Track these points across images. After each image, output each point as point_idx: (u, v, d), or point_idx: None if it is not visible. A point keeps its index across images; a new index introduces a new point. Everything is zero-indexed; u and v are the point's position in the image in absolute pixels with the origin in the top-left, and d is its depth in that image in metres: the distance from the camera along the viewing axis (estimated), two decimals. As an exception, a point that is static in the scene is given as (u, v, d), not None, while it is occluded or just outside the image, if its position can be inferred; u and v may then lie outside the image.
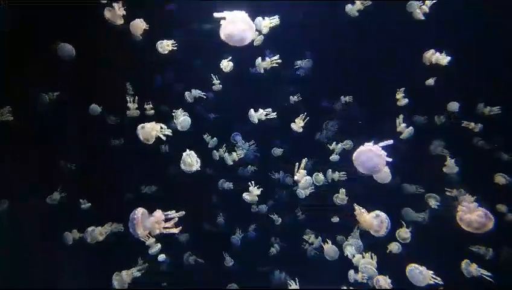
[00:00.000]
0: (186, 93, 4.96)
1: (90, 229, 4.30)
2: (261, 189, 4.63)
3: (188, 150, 4.20)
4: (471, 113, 4.78)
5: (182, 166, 4.22)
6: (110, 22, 4.09)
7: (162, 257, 4.61)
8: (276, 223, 5.23)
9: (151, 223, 3.29)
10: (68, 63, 4.33)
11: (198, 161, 4.25)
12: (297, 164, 4.18)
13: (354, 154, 3.63)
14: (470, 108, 4.78)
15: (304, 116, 4.72)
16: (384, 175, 4.07)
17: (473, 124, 4.73)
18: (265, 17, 4.38)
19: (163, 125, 4.06)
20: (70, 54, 4.25)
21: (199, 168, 4.22)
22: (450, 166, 4.61)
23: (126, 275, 4.20)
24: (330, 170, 4.85)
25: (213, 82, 4.94)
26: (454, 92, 4.76)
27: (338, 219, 4.96)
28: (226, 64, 4.59)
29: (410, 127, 4.61)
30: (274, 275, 5.32)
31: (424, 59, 4.41)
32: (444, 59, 4.27)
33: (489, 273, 3.94)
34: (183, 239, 5.27)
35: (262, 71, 4.53)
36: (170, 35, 4.48)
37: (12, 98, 4.31)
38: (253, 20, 4.40)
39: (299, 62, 5.00)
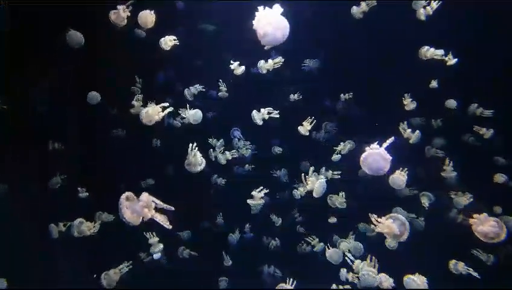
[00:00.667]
0: (186, 90, 4.93)
1: (76, 222, 4.26)
2: (264, 191, 4.63)
3: (192, 151, 4.18)
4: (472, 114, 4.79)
5: (187, 166, 4.21)
6: (115, 24, 4.08)
7: (157, 255, 4.60)
8: (276, 223, 5.26)
9: (140, 207, 3.28)
10: (69, 62, 4.32)
11: (203, 161, 4.25)
12: (303, 174, 4.18)
13: (361, 156, 3.67)
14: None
15: (311, 120, 4.70)
16: (399, 181, 4.09)
17: (484, 129, 4.68)
18: None
19: (164, 104, 4.11)
20: (80, 42, 4.19)
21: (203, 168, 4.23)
22: (448, 170, 4.63)
23: (114, 274, 4.14)
24: (324, 168, 4.86)
25: (220, 88, 4.94)
26: (456, 92, 4.76)
27: (335, 219, 4.98)
28: (237, 67, 4.54)
29: (417, 131, 4.61)
30: (263, 270, 5.37)
31: (419, 55, 4.43)
32: (450, 60, 4.28)
33: (476, 273, 3.99)
34: (184, 236, 5.30)
35: (264, 72, 4.50)
36: (176, 34, 4.46)
37: (12, 98, 4.28)
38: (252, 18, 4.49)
39: (307, 61, 5.00)
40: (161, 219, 3.30)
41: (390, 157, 3.57)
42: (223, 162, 4.98)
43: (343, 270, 4.36)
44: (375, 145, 3.67)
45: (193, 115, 4.55)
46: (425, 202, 4.69)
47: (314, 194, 4.26)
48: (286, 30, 3.46)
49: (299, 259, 5.29)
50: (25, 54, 4.36)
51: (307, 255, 5.20)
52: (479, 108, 4.71)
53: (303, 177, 4.25)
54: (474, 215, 3.73)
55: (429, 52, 4.35)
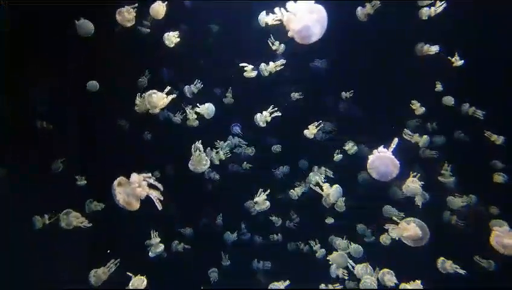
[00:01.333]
0: (186, 87, 4.91)
1: (63, 213, 4.21)
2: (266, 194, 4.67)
3: (197, 151, 4.16)
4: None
5: (192, 166, 4.18)
6: (121, 24, 4.08)
7: (153, 254, 4.58)
8: (276, 224, 5.27)
9: (132, 188, 3.24)
10: (70, 61, 4.29)
11: (208, 161, 4.24)
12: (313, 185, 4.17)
13: (369, 159, 3.62)
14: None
15: (318, 124, 4.71)
16: (414, 189, 4.13)
17: (495, 136, 4.64)
18: (270, 13, 4.37)
19: (167, 88, 4.12)
20: (89, 32, 4.15)
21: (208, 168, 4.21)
22: (446, 175, 4.64)
23: (103, 273, 4.07)
24: (316, 166, 4.90)
25: (226, 94, 4.95)
26: (455, 92, 4.75)
27: (333, 220, 4.99)
28: (250, 70, 4.51)
29: (425, 136, 4.65)
30: (253, 265, 5.39)
31: (416, 51, 4.50)
32: (457, 61, 4.37)
33: (463, 271, 4.04)
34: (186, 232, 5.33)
35: (267, 74, 4.48)
36: (181, 32, 4.47)
37: (12, 98, 4.25)
38: (257, 16, 4.47)
39: (316, 60, 5.00)
40: (155, 195, 3.25)
41: (399, 163, 3.54)
42: (216, 162, 4.92)
43: (334, 267, 4.43)
44: (382, 148, 3.62)
45: (206, 108, 4.56)
46: (419, 201, 4.69)
47: (331, 199, 4.22)
48: (325, 24, 3.17)
49: (291, 256, 5.34)
50: (25, 54, 4.33)
51: (298, 252, 5.27)
52: (471, 107, 4.69)
53: (315, 186, 4.22)
54: (495, 228, 3.67)
55: (424, 48, 4.43)
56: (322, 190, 4.14)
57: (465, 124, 4.78)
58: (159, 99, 4.11)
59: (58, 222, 4.26)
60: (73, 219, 4.18)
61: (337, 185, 4.10)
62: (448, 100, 4.74)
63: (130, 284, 3.99)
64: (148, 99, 4.13)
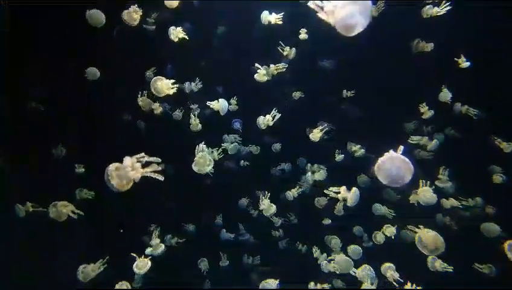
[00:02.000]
0: (186, 84, 4.89)
1: (52, 204, 4.11)
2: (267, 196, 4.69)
3: (201, 152, 4.15)
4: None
5: (195, 168, 4.17)
6: (127, 23, 4.07)
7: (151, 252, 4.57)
8: (276, 224, 5.27)
9: (126, 172, 3.20)
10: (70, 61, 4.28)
11: (211, 161, 4.22)
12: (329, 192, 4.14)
13: (378, 161, 3.27)
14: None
15: (322, 127, 4.69)
16: (430, 198, 4.12)
17: (505, 143, 4.60)
18: (273, 12, 4.42)
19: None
20: (100, 23, 4.10)
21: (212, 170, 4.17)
22: (443, 179, 4.61)
23: (91, 270, 4.02)
24: (309, 164, 4.91)
25: (230, 101, 4.93)
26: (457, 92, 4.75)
27: (330, 221, 5.03)
28: (262, 76, 4.49)
29: (435, 139, 4.67)
30: (242, 260, 5.44)
31: (413, 48, 4.53)
32: (463, 63, 4.35)
33: (451, 268, 4.05)
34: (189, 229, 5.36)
35: (269, 78, 4.47)
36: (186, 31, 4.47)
37: (12, 98, 4.24)
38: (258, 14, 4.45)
39: (324, 60, 5.01)
40: (152, 171, 3.21)
41: (412, 169, 3.17)
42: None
43: (325, 262, 4.49)
44: (392, 151, 3.24)
45: (220, 104, 4.52)
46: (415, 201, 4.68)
47: (349, 203, 4.05)
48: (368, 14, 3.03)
49: (283, 255, 5.40)
50: (25, 54, 4.32)
51: (290, 251, 5.34)
52: (463, 106, 4.69)
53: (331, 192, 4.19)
54: None
55: (420, 44, 4.47)
56: (338, 193, 4.01)
57: (462, 124, 4.79)
58: (163, 86, 4.16)
59: (39, 211, 4.23)
60: (62, 208, 4.09)
61: (355, 189, 3.95)
62: (445, 96, 4.70)
63: (135, 265, 4.03)
64: (153, 85, 4.18)
